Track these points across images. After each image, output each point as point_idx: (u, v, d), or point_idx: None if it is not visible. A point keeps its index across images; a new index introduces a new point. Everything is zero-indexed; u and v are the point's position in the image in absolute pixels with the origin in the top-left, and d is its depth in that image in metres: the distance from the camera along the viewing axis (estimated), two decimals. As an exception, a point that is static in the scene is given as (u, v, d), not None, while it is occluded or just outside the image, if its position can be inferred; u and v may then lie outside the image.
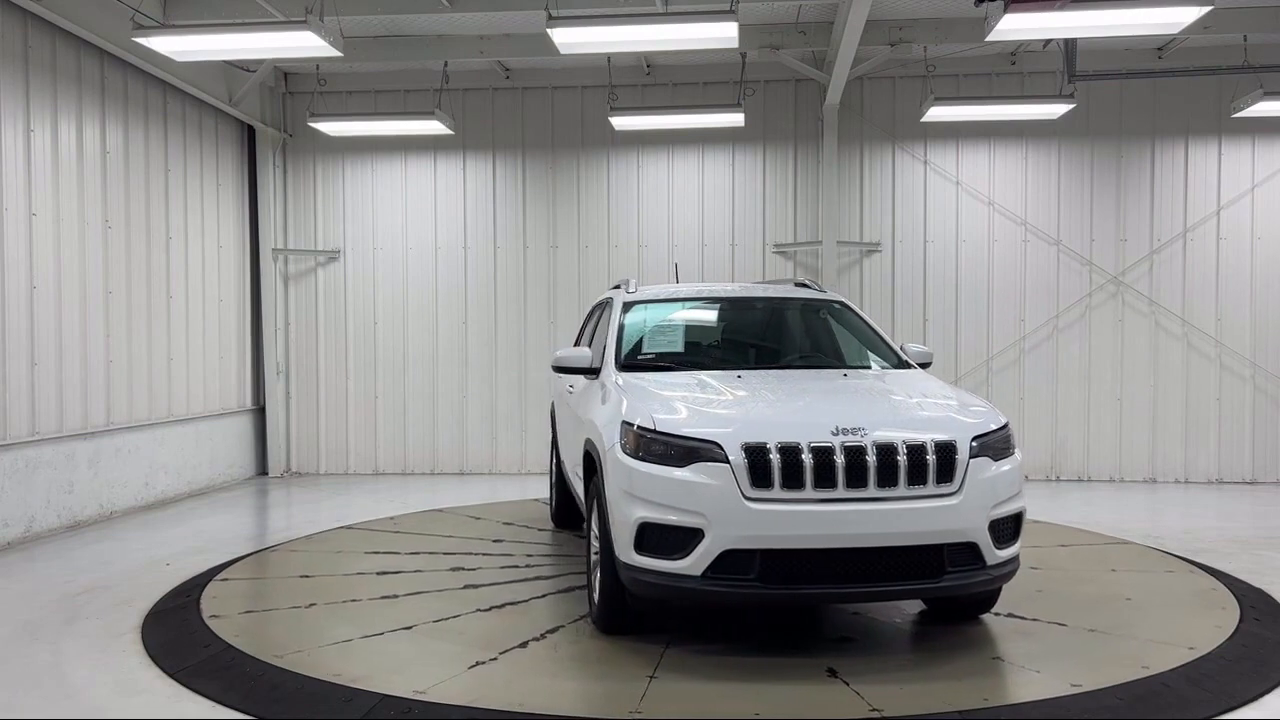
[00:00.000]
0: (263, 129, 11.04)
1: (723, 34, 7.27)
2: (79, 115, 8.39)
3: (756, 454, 4.38)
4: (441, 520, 8.28)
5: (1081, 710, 4.11)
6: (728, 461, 4.39)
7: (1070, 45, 9.43)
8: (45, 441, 7.94)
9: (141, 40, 7.56)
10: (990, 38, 7.34)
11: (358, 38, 9.85)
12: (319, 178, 11.41)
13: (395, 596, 5.81)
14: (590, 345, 6.63)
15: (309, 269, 11.45)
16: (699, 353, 6.29)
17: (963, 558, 4.52)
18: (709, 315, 6.62)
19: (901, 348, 6.15)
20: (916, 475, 4.44)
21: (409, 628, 5.20)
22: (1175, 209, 10.63)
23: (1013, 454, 4.82)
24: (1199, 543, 7.39)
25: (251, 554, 7.13)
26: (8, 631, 5.35)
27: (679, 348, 6.36)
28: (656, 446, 4.54)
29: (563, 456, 7.18)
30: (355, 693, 4.30)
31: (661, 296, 6.56)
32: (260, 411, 11.36)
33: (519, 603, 5.70)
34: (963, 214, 10.83)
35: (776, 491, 4.36)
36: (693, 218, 11.08)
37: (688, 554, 4.40)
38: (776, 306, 6.54)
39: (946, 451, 4.50)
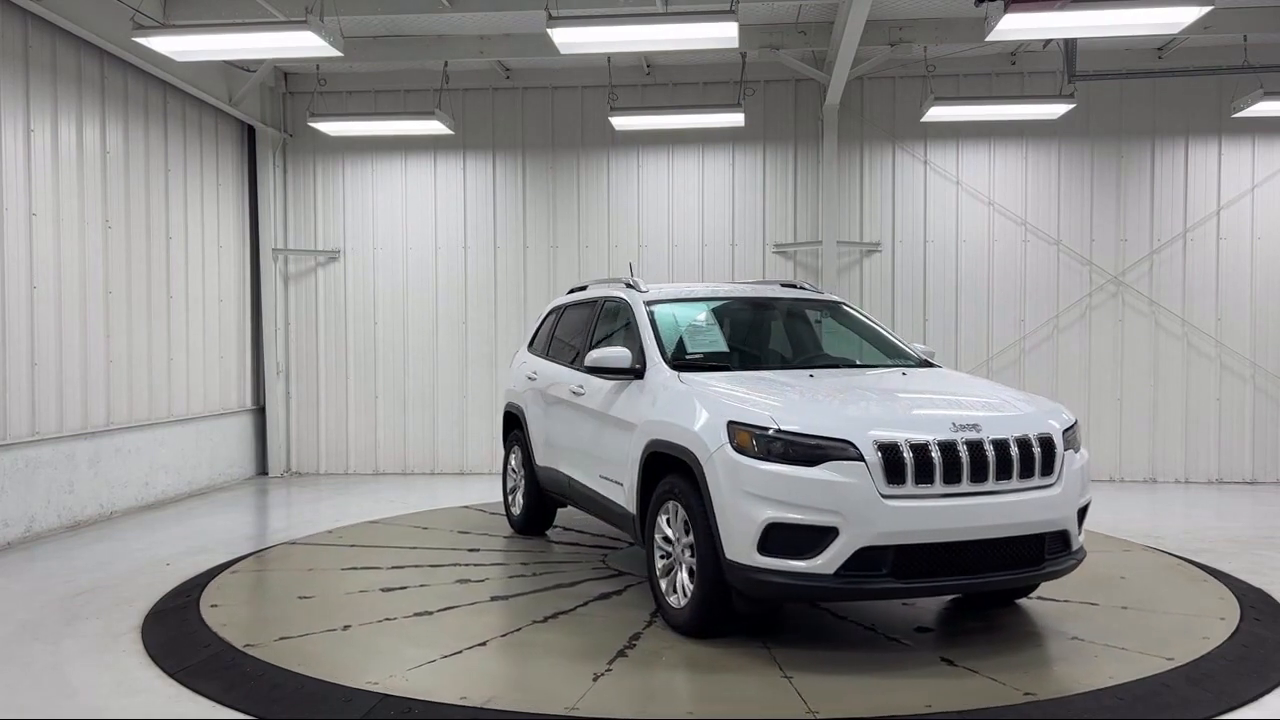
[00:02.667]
0: (263, 129, 11.04)
1: (723, 34, 7.27)
2: (79, 115, 8.39)
3: (890, 451, 4.44)
4: (386, 531, 7.82)
5: (1081, 710, 4.11)
6: (863, 459, 4.42)
7: (1070, 45, 9.43)
8: (45, 441, 7.94)
9: (141, 40, 7.56)
10: (990, 38, 7.34)
11: (358, 38, 9.85)
12: (319, 178, 11.41)
13: (429, 613, 5.50)
14: (592, 346, 6.43)
15: (309, 269, 11.45)
16: (744, 353, 6.26)
17: (1057, 545, 4.80)
18: (735, 316, 6.56)
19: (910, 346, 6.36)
20: (1026, 469, 4.64)
21: (483, 643, 4.97)
22: (1175, 209, 10.63)
23: (1081, 448, 5.07)
24: (1199, 543, 7.39)
25: (251, 554, 7.12)
26: (8, 631, 5.35)
27: (722, 348, 6.22)
28: (779, 446, 4.50)
29: (553, 463, 6.88)
30: (355, 693, 4.29)
31: (680, 296, 6.45)
32: (260, 411, 11.36)
33: (568, 612, 5.51)
34: (963, 214, 10.83)
35: (909, 488, 4.43)
36: (693, 218, 11.08)
37: (819, 553, 4.39)
38: (793, 308, 6.63)
39: (1048, 446, 4.74)
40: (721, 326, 6.39)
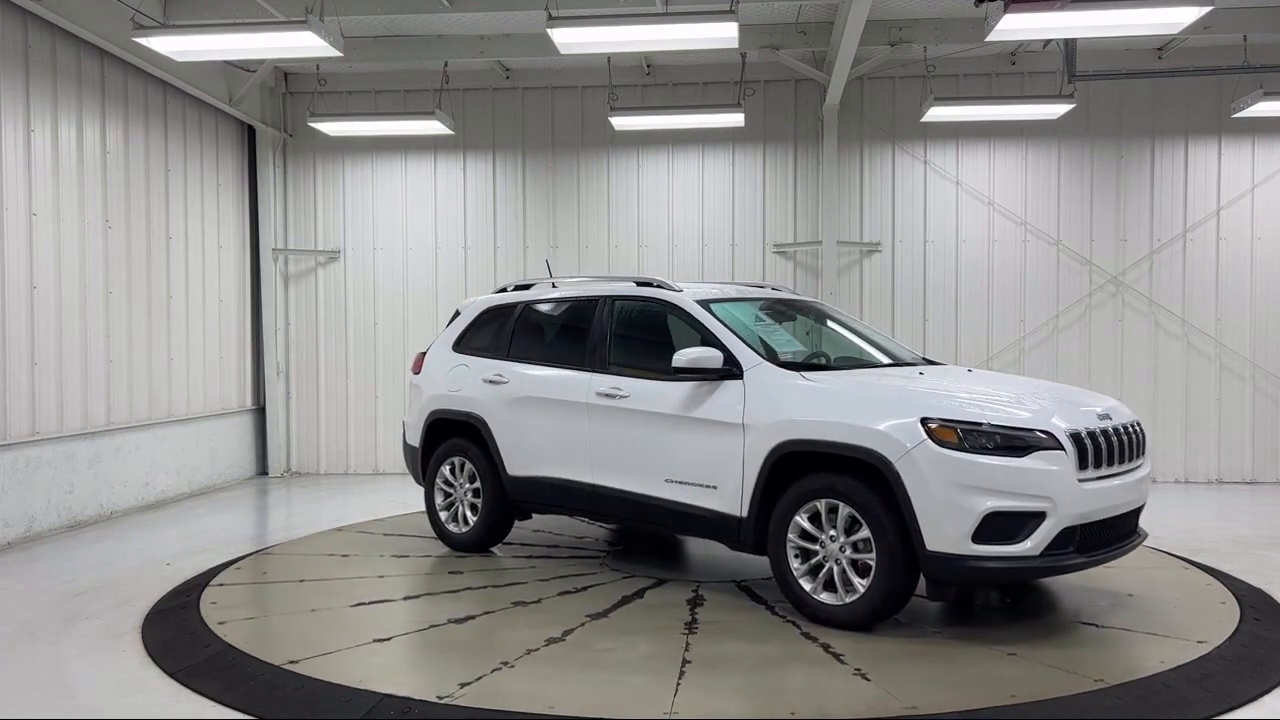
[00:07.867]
0: (263, 129, 11.04)
1: (723, 34, 7.28)
2: (79, 115, 8.39)
3: (1078, 440, 4.90)
4: (303, 562, 6.84)
5: (1080, 710, 4.11)
6: (1062, 448, 4.82)
7: (1070, 45, 9.42)
8: (45, 441, 7.94)
9: (141, 40, 7.57)
10: (990, 38, 7.34)
11: (358, 38, 9.85)
12: (319, 178, 11.41)
13: (559, 639, 5.01)
14: (611, 347, 6.27)
15: (309, 269, 11.45)
16: (821, 353, 6.41)
17: (1140, 517, 5.49)
18: (784, 318, 6.66)
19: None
20: (1138, 450, 5.35)
21: (687, 662, 4.68)
22: (1175, 209, 10.63)
23: None
24: (1199, 543, 7.39)
25: (252, 554, 7.13)
26: (8, 631, 5.35)
27: (800, 346, 6.37)
28: (986, 439, 4.79)
29: (551, 471, 6.45)
30: (355, 693, 4.29)
31: (723, 296, 6.35)
32: (260, 411, 11.36)
33: (693, 622, 5.28)
34: (963, 214, 10.83)
35: (1090, 471, 4.93)
36: (693, 218, 11.07)
37: (1028, 536, 4.75)
38: (811, 310, 6.97)
39: (1143, 430, 5.47)
40: (786, 329, 6.54)
